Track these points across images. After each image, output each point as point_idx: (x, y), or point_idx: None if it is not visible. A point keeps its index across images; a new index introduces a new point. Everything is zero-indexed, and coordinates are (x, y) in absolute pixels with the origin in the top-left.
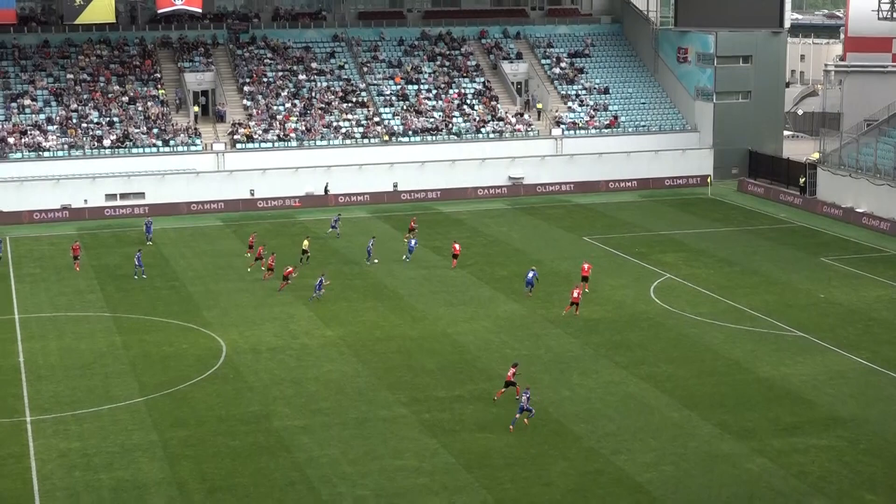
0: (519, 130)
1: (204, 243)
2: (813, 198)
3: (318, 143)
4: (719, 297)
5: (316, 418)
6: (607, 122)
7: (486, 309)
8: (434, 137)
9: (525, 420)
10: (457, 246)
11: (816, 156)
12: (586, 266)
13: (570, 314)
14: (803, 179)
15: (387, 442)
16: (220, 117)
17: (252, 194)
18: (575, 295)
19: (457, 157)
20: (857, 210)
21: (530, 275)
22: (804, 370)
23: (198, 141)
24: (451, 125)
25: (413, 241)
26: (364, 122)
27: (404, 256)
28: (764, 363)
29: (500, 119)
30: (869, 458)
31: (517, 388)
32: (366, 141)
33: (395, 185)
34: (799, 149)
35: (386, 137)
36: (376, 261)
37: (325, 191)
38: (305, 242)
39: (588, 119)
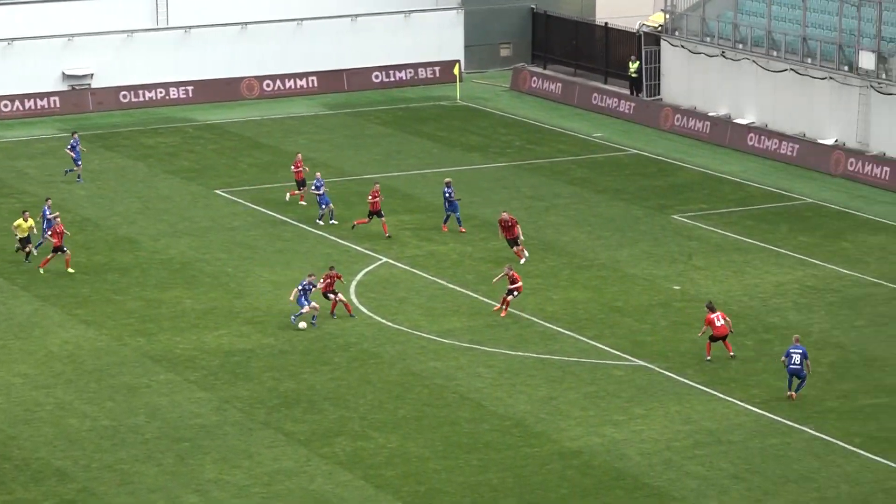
0: None
1: None
2: (655, 100)
3: None
4: (481, 296)
5: None
6: None
7: (27, 340)
8: None
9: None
10: (374, 193)
11: (659, 19)
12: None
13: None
14: (636, 65)
15: None
16: None
17: None
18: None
19: None
20: (738, 122)
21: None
22: (648, 432)
23: None
24: None
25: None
26: None
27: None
28: (571, 422)
29: None
30: None
31: (726, 343)
32: None
33: None
34: (628, 6)
35: None
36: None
37: None
38: (24, 223)
39: None
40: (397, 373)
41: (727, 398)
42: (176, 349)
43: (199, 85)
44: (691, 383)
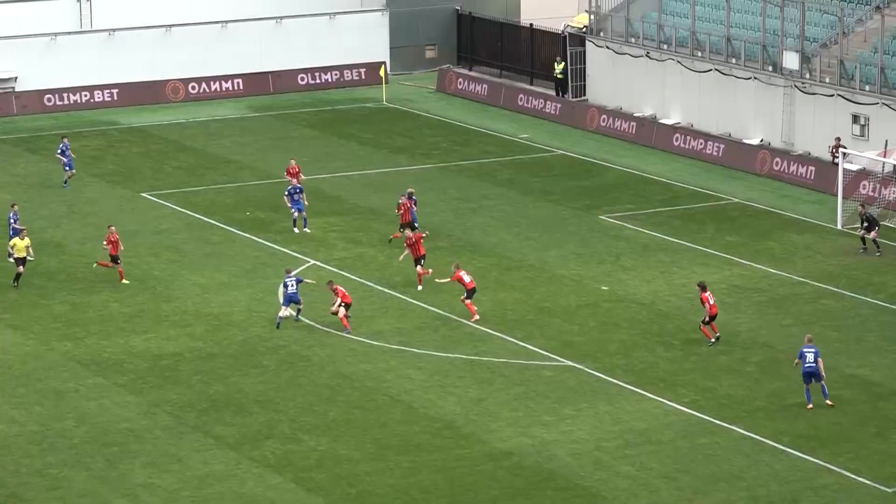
0: None
1: None
2: (581, 101)
3: None
4: (411, 298)
5: None
6: None
7: None
8: None
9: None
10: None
11: (584, 20)
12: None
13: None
14: (562, 65)
15: None
16: None
17: None
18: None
19: None
20: (665, 122)
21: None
22: (578, 432)
23: None
24: None
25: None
26: None
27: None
28: (501, 423)
29: None
30: None
31: (712, 325)
32: None
33: None
34: (552, 7)
35: None
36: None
37: None
38: (21, 242)
39: None
40: (327, 375)
41: (656, 398)
42: (104, 353)
43: (123, 88)
44: (620, 383)
